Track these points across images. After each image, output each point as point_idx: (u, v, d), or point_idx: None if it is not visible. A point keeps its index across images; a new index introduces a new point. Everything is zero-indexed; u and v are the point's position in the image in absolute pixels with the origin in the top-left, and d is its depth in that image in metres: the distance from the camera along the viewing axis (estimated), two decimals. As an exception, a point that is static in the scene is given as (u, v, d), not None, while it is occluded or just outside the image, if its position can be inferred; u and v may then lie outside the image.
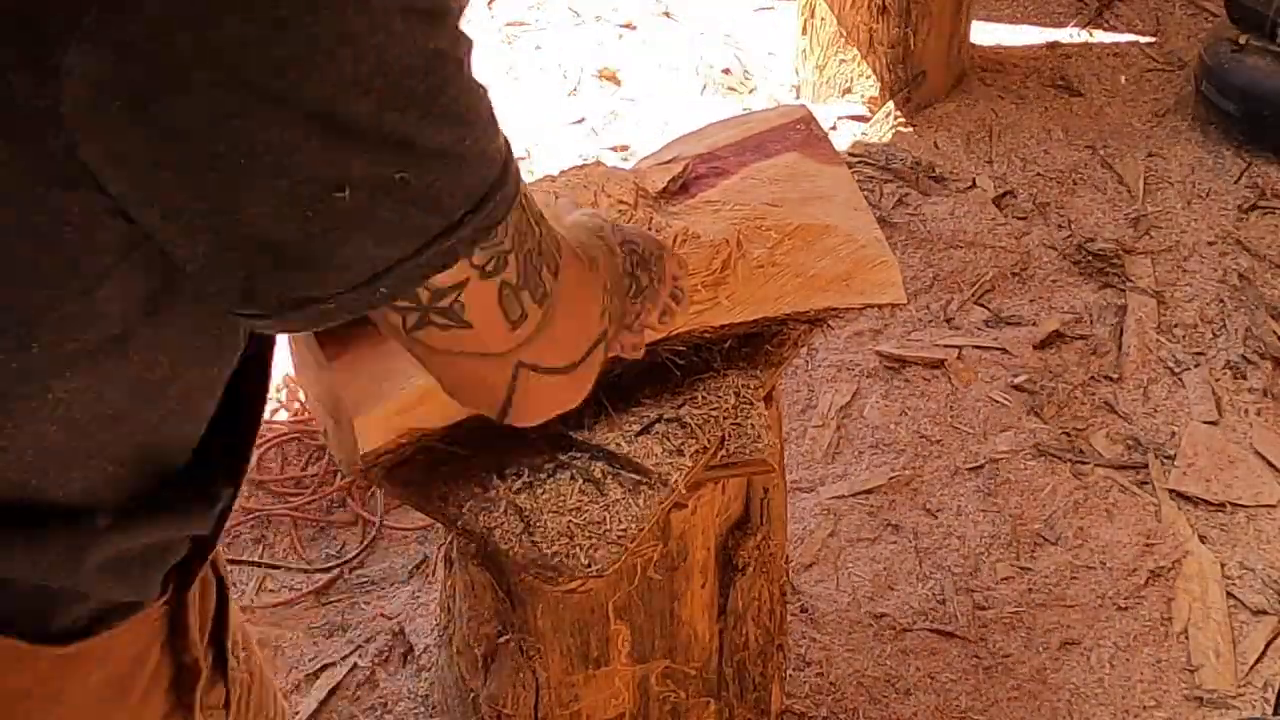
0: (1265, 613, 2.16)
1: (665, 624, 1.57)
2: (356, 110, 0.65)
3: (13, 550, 0.78)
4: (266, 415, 2.47)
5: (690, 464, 1.35)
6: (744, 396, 1.40)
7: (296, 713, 2.05)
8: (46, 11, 0.62)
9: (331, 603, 2.21)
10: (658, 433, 1.36)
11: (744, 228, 1.45)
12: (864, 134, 3.10)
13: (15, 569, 0.78)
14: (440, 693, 1.90)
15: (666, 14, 3.56)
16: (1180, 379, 2.53)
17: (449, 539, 1.61)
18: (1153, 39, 3.40)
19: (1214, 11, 3.40)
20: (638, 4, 3.59)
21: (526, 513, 1.29)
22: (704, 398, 1.40)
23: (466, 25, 0.71)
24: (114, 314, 0.72)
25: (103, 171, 0.66)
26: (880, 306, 1.53)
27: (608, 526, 1.29)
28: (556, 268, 0.82)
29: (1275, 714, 1.85)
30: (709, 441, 1.36)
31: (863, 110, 3.15)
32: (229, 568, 2.22)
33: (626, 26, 3.53)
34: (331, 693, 2.07)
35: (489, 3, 3.63)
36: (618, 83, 3.34)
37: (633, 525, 1.29)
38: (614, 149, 3.10)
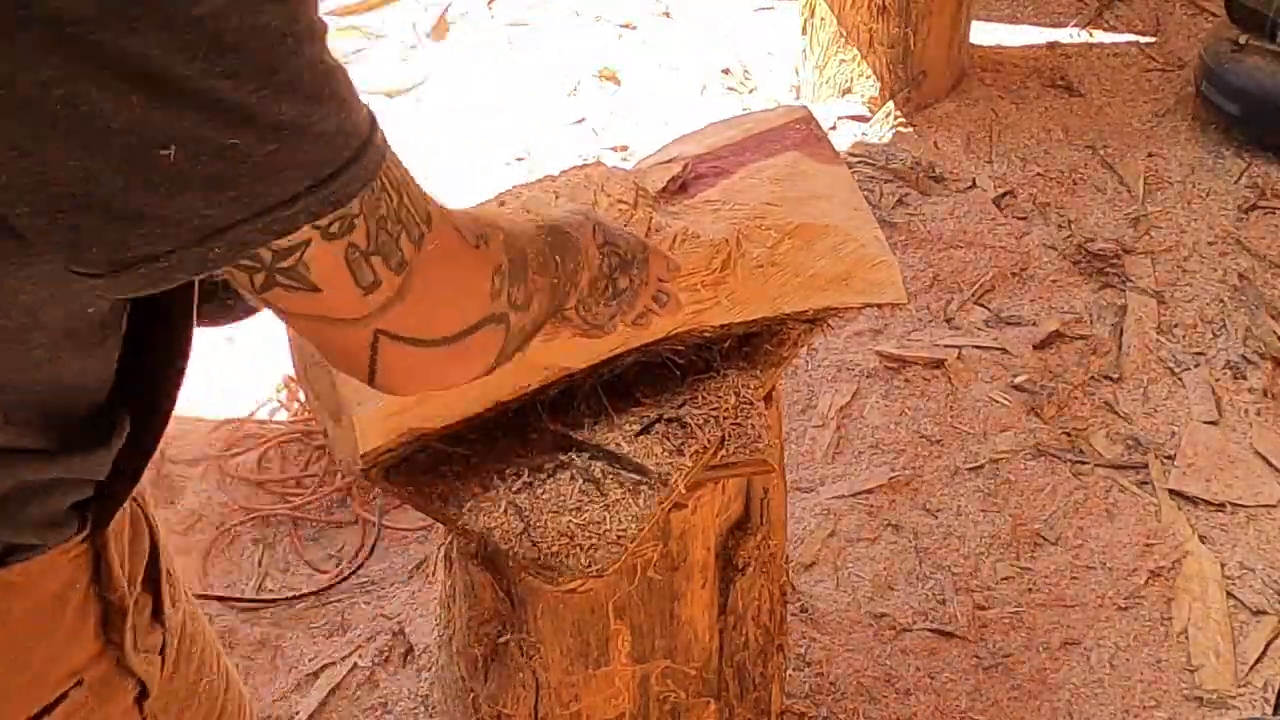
0: (1265, 613, 2.16)
1: (665, 624, 1.57)
2: (183, 73, 0.66)
3: None
4: (266, 415, 2.49)
5: (690, 464, 1.34)
6: (744, 396, 1.40)
7: (296, 713, 2.05)
8: None
9: (331, 603, 2.21)
10: (658, 433, 1.36)
11: (744, 227, 1.45)
12: (864, 134, 3.10)
13: None
14: (440, 693, 1.90)
15: (666, 14, 3.56)
16: (1180, 379, 2.53)
17: (449, 539, 1.60)
18: (1153, 39, 3.40)
19: (1214, 11, 3.40)
20: (638, 4, 3.59)
21: (526, 513, 1.29)
22: (704, 398, 1.40)
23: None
24: None
25: None
26: (880, 306, 1.53)
27: (608, 526, 1.29)
28: (420, 237, 0.82)
29: (1275, 714, 1.85)
30: (709, 441, 1.36)
31: (863, 110, 3.15)
32: (228, 569, 2.25)
33: (626, 26, 3.53)
34: (331, 693, 2.07)
35: (489, 3, 3.63)
36: (618, 83, 3.34)
37: (633, 525, 1.29)
38: (614, 149, 3.10)
